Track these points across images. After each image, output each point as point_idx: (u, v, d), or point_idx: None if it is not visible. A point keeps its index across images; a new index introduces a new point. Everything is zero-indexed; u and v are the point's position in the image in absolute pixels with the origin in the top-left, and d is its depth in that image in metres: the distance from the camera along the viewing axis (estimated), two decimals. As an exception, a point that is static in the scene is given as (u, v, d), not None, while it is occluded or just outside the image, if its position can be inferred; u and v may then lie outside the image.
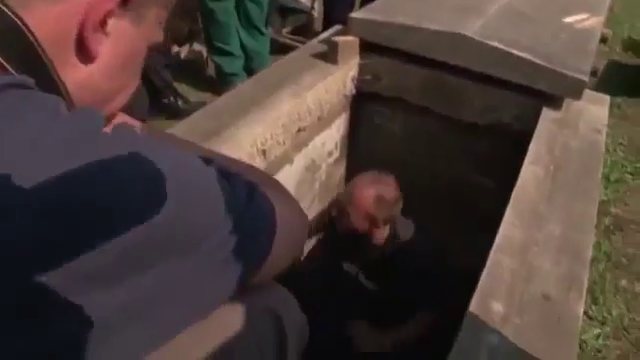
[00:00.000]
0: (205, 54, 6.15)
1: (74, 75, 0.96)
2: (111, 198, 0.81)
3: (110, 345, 0.85)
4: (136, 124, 1.34)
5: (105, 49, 0.99)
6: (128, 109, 3.76)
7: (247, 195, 1.04)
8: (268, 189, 1.12)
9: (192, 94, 5.67)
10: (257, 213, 1.05)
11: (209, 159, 1.03)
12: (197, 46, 6.35)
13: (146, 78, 5.01)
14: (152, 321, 0.89)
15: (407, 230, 3.16)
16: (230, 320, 1.15)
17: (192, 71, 6.14)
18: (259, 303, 1.20)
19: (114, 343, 0.85)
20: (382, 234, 3.12)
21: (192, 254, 0.91)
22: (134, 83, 1.15)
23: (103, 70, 1.01)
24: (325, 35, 3.81)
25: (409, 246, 3.10)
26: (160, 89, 5.18)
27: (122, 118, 1.28)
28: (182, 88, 5.63)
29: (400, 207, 3.08)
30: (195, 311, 0.97)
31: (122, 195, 0.82)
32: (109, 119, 1.17)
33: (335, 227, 3.27)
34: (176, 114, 4.89)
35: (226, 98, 2.93)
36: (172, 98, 5.28)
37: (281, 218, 1.10)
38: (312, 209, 3.68)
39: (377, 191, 2.99)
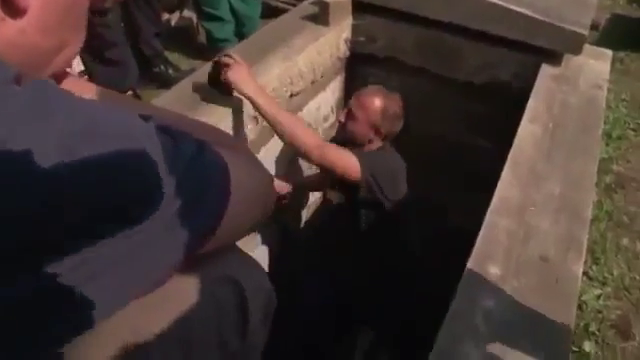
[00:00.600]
0: (195, 20, 6.11)
1: (2, 31, 0.89)
2: (18, 159, 0.78)
3: (65, 306, 0.85)
4: (88, 86, 1.27)
5: (35, 1, 0.91)
6: (119, 80, 3.77)
7: (194, 153, 0.99)
8: (224, 148, 1.07)
9: (183, 62, 5.63)
10: (205, 170, 1.01)
11: (147, 116, 0.97)
12: (187, 13, 6.31)
13: (136, 47, 4.99)
14: (102, 285, 0.87)
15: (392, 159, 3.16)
16: (187, 291, 1.11)
17: (183, 38, 6.09)
18: (216, 271, 1.15)
19: (68, 304, 0.85)
20: (373, 147, 3.12)
21: (134, 214, 0.87)
22: (77, 40, 1.06)
23: (35, 25, 0.93)
24: (317, -4, 3.75)
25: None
26: (150, 58, 5.15)
27: (71, 80, 1.20)
28: (173, 56, 5.59)
29: (400, 127, 3.07)
30: (148, 274, 0.95)
31: (31, 156, 0.79)
32: (56, 80, 1.09)
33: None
34: (167, 83, 4.82)
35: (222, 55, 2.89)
36: (163, 67, 5.24)
37: (236, 177, 1.05)
38: (310, 174, 3.68)
39: (384, 101, 3.00)
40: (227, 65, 2.55)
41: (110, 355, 1.00)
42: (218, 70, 2.56)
